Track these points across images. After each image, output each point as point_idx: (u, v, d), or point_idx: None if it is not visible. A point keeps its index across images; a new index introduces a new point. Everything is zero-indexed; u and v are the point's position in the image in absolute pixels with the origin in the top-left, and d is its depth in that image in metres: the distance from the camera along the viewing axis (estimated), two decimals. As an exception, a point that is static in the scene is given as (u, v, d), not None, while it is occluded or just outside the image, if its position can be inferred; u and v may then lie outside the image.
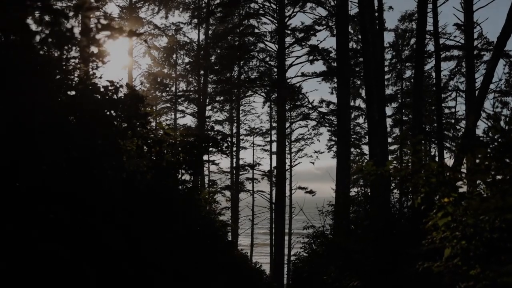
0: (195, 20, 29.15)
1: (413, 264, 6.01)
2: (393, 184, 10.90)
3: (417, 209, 8.86)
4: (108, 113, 6.67)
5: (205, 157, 34.68)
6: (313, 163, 34.04)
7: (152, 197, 6.18)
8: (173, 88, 31.41)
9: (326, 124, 29.33)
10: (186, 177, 9.84)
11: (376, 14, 18.30)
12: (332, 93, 30.94)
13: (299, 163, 33.85)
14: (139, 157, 6.61)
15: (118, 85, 7.01)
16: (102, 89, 6.95)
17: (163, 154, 6.88)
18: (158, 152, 6.88)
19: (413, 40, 30.91)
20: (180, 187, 10.61)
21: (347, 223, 11.67)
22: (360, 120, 33.11)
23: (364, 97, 31.69)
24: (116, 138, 6.35)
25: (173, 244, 7.85)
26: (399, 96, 32.56)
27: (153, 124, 8.19)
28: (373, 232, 8.90)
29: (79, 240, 5.56)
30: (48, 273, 4.29)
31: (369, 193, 13.74)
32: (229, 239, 15.75)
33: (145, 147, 6.72)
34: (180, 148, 7.35)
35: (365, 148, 32.61)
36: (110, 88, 6.95)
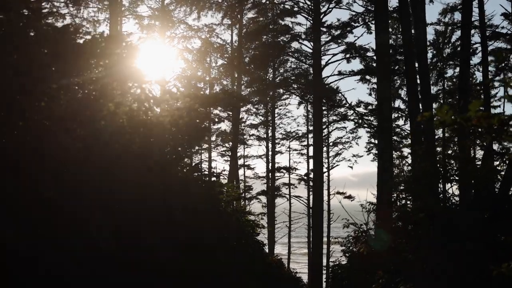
0: (228, 21, 27.74)
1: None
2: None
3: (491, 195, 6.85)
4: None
5: (240, 161, 33.15)
6: (351, 167, 32.03)
7: (132, 163, 4.48)
8: (207, 92, 29.99)
9: (365, 125, 27.41)
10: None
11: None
12: (370, 94, 28.99)
13: (337, 165, 31.82)
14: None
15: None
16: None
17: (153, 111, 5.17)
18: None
19: (454, 37, 28.60)
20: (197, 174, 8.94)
21: (393, 221, 9.72)
22: (400, 122, 30.82)
23: (404, 97, 29.53)
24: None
25: (176, 235, 6.14)
26: (440, 96, 30.16)
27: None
28: (431, 226, 6.93)
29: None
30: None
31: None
32: (261, 241, 13.96)
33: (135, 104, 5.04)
34: (184, 113, 5.64)
35: (407, 151, 30.22)
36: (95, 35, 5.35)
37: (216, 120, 24.28)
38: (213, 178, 10.93)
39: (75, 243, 4.56)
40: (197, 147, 29.94)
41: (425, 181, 8.41)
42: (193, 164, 8.71)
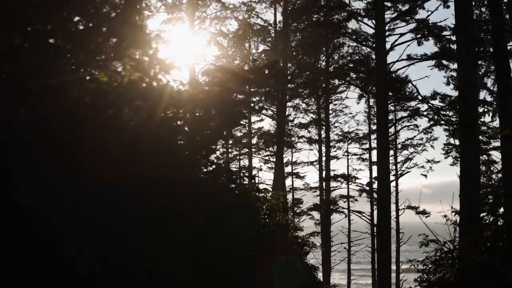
0: (271, -3, 27.19)
1: None
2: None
3: None
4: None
5: (288, 169, 32.40)
6: (425, 175, 30.94)
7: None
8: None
9: (442, 122, 26.13)
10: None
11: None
12: (448, 83, 27.79)
13: (407, 172, 30.77)
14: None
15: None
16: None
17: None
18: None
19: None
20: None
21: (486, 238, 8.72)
22: (487, 118, 29.38)
23: (491, 88, 28.15)
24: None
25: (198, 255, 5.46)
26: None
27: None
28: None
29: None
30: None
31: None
32: (312, 265, 13.16)
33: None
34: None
35: (495, 155, 28.81)
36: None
37: (257, 108, 23.45)
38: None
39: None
40: (234, 152, 29.42)
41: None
42: (221, 162, 7.99)
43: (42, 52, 3.74)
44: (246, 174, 9.34)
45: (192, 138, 6.70)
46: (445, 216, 8.89)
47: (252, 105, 21.76)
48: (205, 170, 7.53)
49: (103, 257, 4.07)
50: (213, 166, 7.66)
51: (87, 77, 4.49)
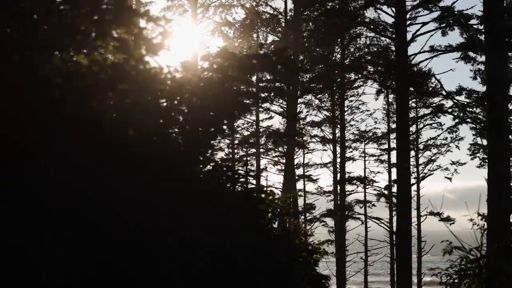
0: (280, -16, 27.19)
1: None
2: None
3: None
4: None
5: (299, 171, 32.21)
6: (449, 178, 30.82)
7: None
8: (254, 78, 29.29)
9: (468, 120, 25.90)
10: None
11: None
12: (475, 77, 27.65)
13: (429, 175, 30.61)
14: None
15: None
16: None
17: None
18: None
19: None
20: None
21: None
22: (518, 116, 29.26)
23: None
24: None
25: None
26: None
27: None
28: None
29: None
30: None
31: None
32: (325, 275, 12.93)
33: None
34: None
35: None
36: None
37: (262, 95, 23.23)
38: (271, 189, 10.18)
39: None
40: (241, 152, 29.24)
41: None
42: (223, 161, 7.81)
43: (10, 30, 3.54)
44: (252, 174, 9.05)
45: (189, 131, 6.51)
46: (471, 220, 8.68)
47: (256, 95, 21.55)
48: (202, 168, 7.34)
49: (80, 268, 3.86)
50: (212, 164, 7.47)
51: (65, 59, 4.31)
